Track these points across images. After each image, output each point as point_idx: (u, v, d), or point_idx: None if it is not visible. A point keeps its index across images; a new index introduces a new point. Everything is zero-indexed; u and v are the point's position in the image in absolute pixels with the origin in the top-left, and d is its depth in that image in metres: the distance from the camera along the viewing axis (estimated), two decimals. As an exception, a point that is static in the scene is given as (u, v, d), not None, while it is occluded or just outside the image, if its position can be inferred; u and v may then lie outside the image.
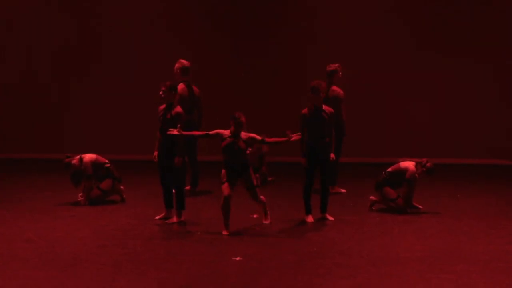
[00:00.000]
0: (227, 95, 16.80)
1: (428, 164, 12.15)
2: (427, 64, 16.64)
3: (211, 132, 10.98)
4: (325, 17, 16.77)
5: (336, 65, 13.50)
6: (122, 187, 12.98)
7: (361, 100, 16.44)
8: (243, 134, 10.79)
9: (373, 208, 12.41)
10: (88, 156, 12.70)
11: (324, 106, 11.44)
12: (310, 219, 11.51)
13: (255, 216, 11.90)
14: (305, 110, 11.45)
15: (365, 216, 11.89)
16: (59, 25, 17.00)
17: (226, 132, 10.82)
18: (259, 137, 10.86)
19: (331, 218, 11.61)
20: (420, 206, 12.32)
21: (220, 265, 9.38)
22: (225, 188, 10.80)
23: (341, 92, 13.36)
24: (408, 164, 12.20)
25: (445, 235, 10.91)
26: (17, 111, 17.11)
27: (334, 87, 13.40)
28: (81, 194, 12.76)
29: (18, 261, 9.55)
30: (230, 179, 10.82)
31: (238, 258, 9.66)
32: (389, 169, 12.34)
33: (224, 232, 10.74)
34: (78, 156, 12.68)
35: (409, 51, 16.66)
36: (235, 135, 10.78)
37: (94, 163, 12.68)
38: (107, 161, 12.89)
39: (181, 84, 13.36)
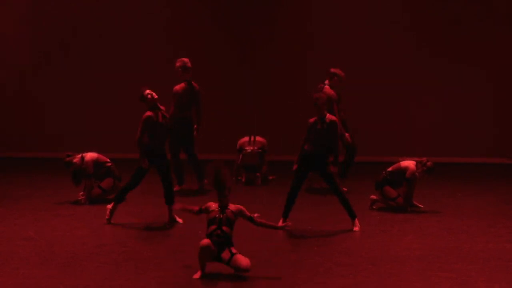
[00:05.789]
0: (228, 96, 16.82)
1: (428, 163, 12.15)
2: (427, 64, 16.64)
3: (203, 207, 9.36)
4: (327, 19, 16.74)
5: (338, 70, 13.39)
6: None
7: (362, 99, 16.45)
8: (232, 206, 9.31)
9: (374, 207, 12.41)
10: (90, 155, 12.71)
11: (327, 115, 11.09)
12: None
13: (255, 215, 11.88)
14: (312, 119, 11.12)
15: (365, 214, 11.88)
16: (56, 23, 16.99)
17: (214, 205, 9.29)
18: (247, 213, 9.35)
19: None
20: (420, 205, 12.32)
21: (220, 264, 9.36)
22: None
23: (333, 93, 13.26)
24: (409, 163, 12.21)
25: (445, 234, 10.92)
26: (17, 109, 17.10)
27: (327, 88, 13.30)
28: (81, 193, 12.76)
29: (18, 259, 9.56)
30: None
31: (237, 257, 9.66)
32: (390, 169, 12.35)
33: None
34: (79, 155, 12.68)
35: (410, 51, 16.65)
36: (222, 206, 9.27)
37: (95, 162, 12.69)
38: (108, 160, 12.90)
39: (182, 83, 13.41)
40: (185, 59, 13.45)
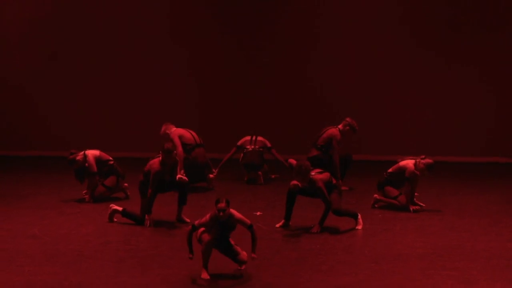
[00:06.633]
0: (228, 96, 16.85)
1: (427, 160, 12.13)
2: (429, 64, 16.62)
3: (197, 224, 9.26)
4: (330, 20, 16.75)
5: (354, 123, 13.36)
6: (126, 184, 13.03)
7: (364, 99, 16.49)
8: (236, 214, 9.18)
9: (376, 205, 12.45)
10: (91, 153, 12.74)
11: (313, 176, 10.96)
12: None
13: (258, 213, 11.94)
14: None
15: (367, 213, 11.89)
16: (60, 22, 17.03)
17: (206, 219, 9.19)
18: (248, 223, 9.16)
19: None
20: (422, 204, 12.35)
21: (223, 262, 9.41)
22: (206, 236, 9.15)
23: (340, 137, 13.32)
24: (407, 162, 12.22)
25: (447, 232, 10.96)
26: (21, 108, 17.14)
27: (336, 130, 13.39)
28: (85, 191, 12.80)
29: (23, 257, 9.62)
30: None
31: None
32: (390, 170, 12.39)
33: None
34: (82, 152, 12.73)
35: (411, 51, 16.64)
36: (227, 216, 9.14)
37: (97, 159, 12.71)
38: (111, 158, 12.94)
39: (173, 130, 13.47)
40: (164, 126, 13.54)
